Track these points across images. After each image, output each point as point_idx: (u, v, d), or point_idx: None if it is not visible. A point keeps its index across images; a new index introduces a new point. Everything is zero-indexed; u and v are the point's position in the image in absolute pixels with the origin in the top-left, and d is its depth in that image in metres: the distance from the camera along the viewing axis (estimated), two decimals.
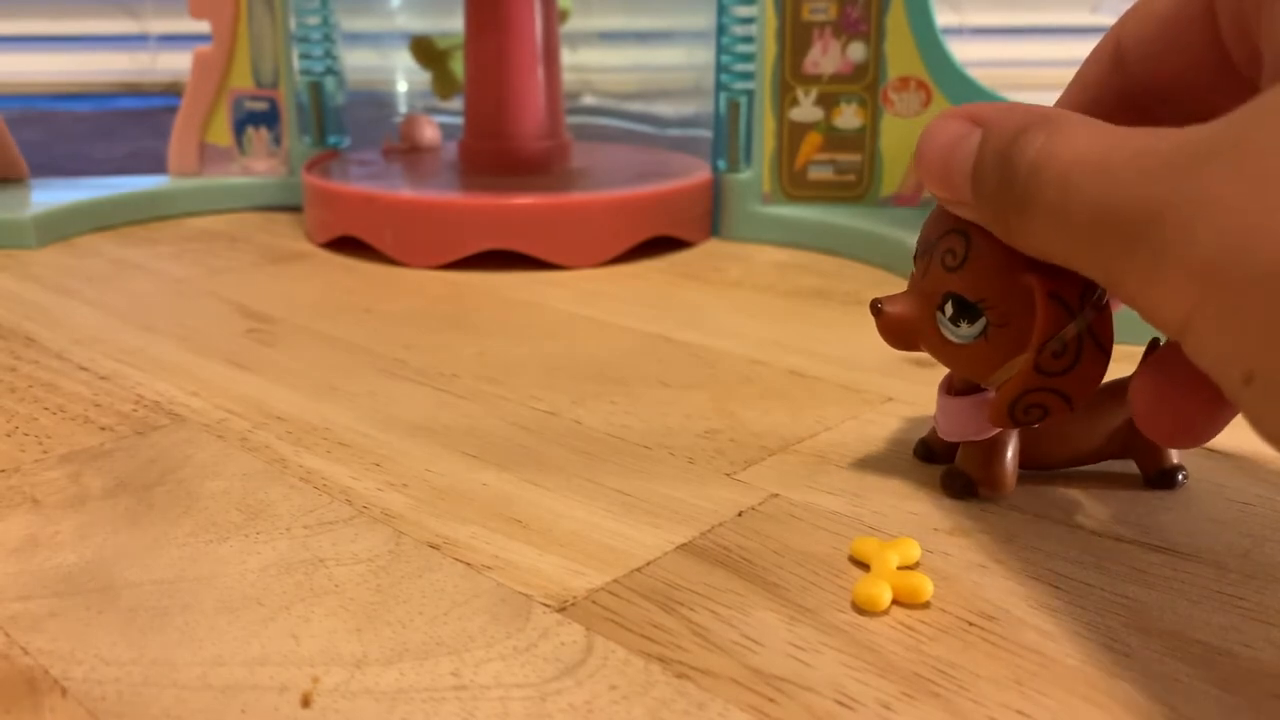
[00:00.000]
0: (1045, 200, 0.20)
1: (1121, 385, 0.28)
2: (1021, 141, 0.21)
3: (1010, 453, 0.27)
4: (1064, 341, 0.23)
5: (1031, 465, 0.28)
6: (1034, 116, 0.21)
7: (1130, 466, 0.29)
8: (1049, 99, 0.26)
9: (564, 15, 0.70)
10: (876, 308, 0.26)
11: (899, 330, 0.26)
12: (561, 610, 0.22)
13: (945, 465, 0.29)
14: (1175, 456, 0.28)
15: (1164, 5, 0.22)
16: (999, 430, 0.26)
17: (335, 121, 0.68)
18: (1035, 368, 0.24)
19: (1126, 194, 0.18)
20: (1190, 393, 0.23)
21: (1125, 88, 0.24)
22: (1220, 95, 0.22)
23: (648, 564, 0.24)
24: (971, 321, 0.25)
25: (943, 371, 0.29)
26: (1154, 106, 0.24)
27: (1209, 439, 0.23)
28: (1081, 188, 0.19)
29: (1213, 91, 0.23)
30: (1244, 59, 0.21)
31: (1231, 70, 0.22)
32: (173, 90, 1.24)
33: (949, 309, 0.25)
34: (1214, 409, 0.23)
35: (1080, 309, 0.23)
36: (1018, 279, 0.24)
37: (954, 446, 0.28)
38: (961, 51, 0.56)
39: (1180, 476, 0.28)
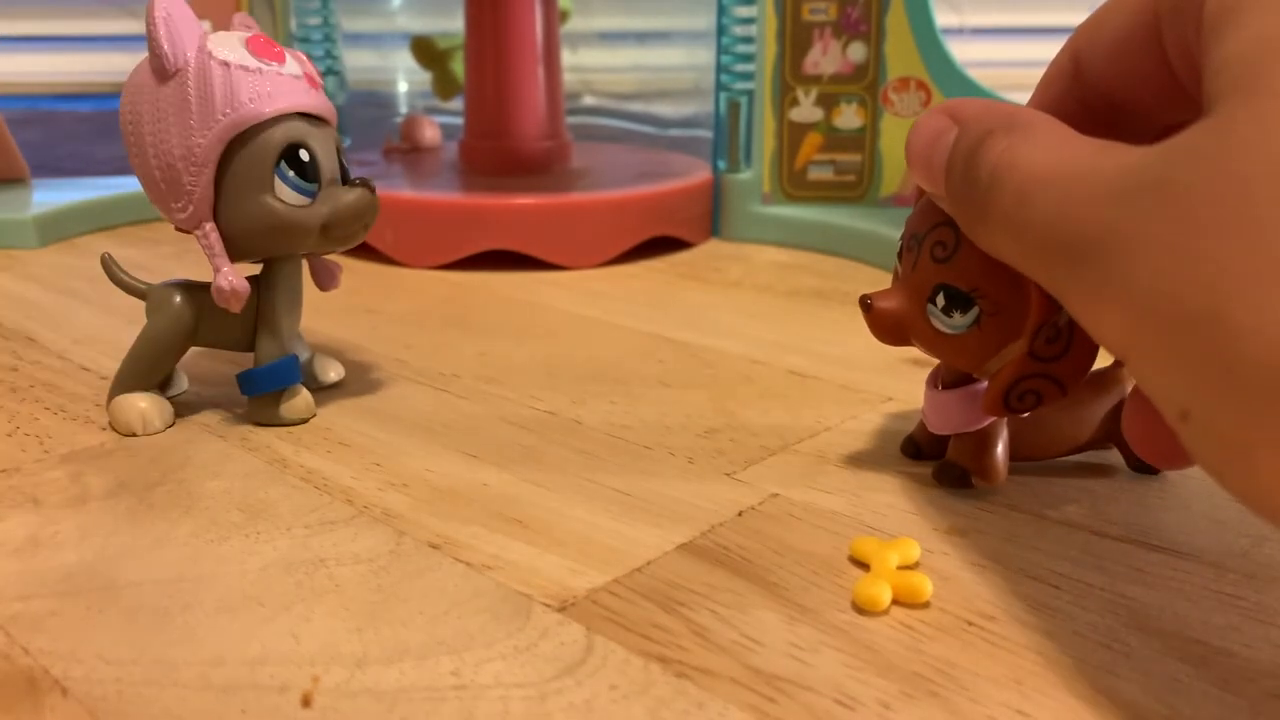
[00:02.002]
0: (1002, 207, 0.20)
1: (1102, 375, 0.28)
2: (986, 145, 0.21)
3: (1001, 443, 0.27)
4: (1057, 327, 0.24)
5: (1019, 457, 0.28)
6: (1002, 120, 0.21)
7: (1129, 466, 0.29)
8: None
9: (564, 15, 0.71)
10: (866, 303, 0.27)
11: (889, 324, 0.26)
12: (562, 610, 0.22)
13: (936, 460, 0.29)
14: None
15: (1114, 25, 0.23)
16: (990, 421, 0.27)
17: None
18: (1030, 354, 0.24)
19: (1074, 215, 0.18)
20: None
21: (1085, 99, 0.24)
22: (1173, 110, 0.23)
23: (648, 564, 0.24)
24: (964, 311, 0.25)
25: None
26: (1114, 117, 0.24)
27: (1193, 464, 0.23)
28: (1035, 202, 0.19)
29: (1166, 106, 0.23)
30: (1190, 82, 0.21)
31: (1182, 90, 0.22)
32: None
33: (940, 300, 0.25)
34: None
35: None
36: (1009, 267, 0.24)
37: (941, 441, 0.28)
38: (961, 51, 0.56)
39: None
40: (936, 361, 0.29)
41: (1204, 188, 0.16)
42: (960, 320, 0.25)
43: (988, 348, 0.25)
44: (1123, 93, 0.23)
